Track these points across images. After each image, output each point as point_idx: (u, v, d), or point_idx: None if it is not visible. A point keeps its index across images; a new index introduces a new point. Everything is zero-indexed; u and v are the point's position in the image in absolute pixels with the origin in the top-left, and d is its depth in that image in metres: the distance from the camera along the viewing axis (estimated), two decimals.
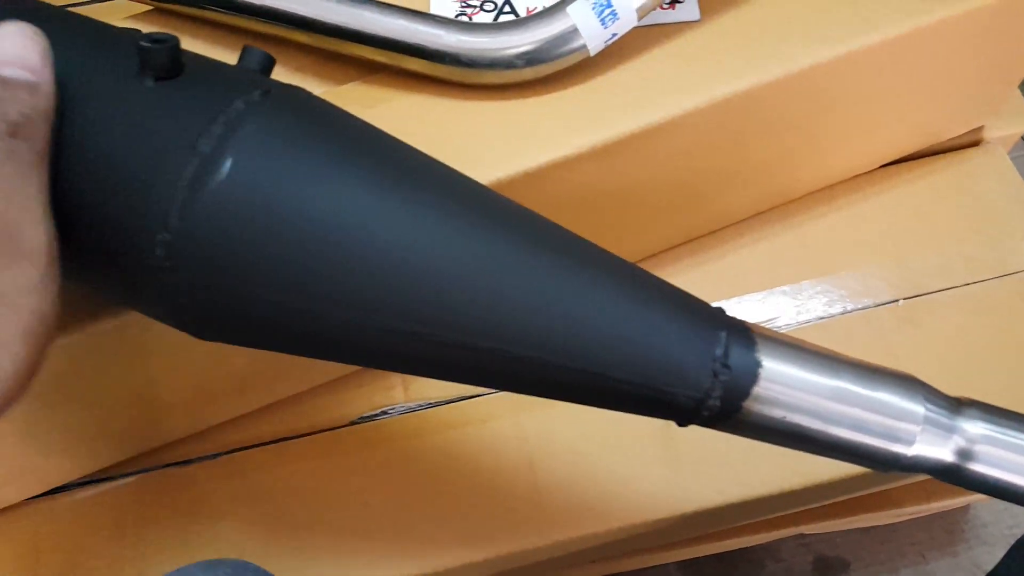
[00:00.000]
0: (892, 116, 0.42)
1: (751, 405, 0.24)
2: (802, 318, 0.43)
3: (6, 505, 0.40)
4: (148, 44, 0.24)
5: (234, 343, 0.26)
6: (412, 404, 0.43)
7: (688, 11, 0.37)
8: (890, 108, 0.41)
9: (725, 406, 0.24)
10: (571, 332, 0.23)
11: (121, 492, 0.41)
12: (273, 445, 0.43)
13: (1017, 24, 0.40)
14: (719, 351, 0.24)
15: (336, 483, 0.42)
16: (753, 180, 0.42)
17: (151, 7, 0.40)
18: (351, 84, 0.37)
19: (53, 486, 0.40)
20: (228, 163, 0.23)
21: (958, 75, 0.42)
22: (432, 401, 0.43)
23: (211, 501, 0.42)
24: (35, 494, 0.41)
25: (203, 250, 0.23)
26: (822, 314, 0.44)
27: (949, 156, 0.48)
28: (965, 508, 0.66)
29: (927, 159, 0.48)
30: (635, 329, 0.24)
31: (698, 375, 0.24)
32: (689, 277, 0.44)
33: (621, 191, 0.38)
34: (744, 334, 0.25)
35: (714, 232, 0.45)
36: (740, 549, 0.59)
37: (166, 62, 0.24)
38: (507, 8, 0.38)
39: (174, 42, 0.24)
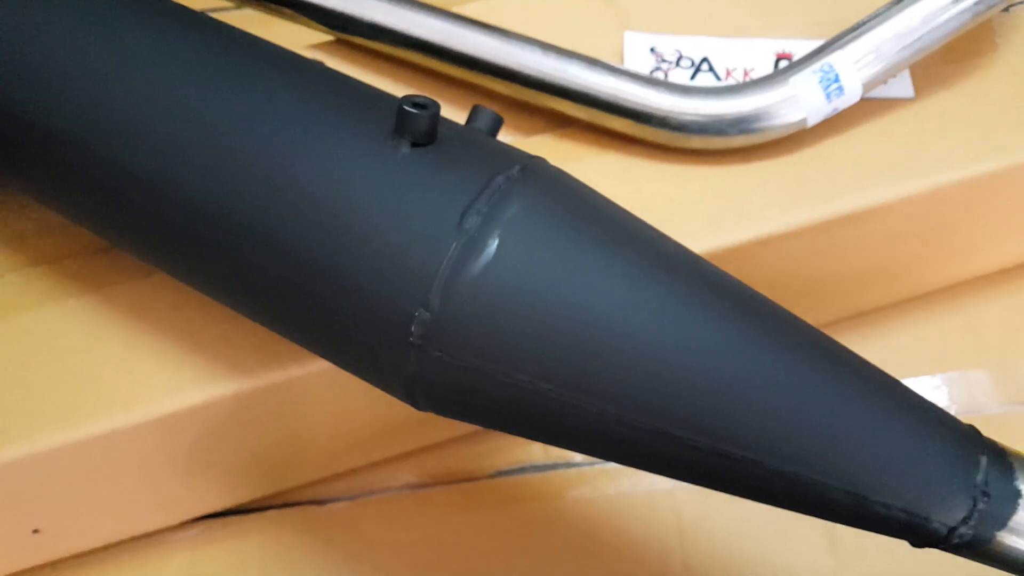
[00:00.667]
0: None
1: (1005, 536, 0.23)
2: (972, 410, 0.41)
3: (159, 528, 0.39)
4: (411, 109, 0.23)
5: (456, 418, 0.25)
6: (552, 462, 0.42)
7: (902, 88, 0.35)
8: None
9: (978, 535, 0.23)
10: (839, 452, 0.22)
11: (260, 525, 0.40)
12: (411, 492, 0.41)
13: None
14: (980, 478, 0.23)
15: (475, 538, 0.40)
16: (939, 263, 0.40)
17: (334, 38, 0.39)
18: (541, 136, 0.36)
19: (201, 514, 0.39)
20: (494, 244, 0.22)
21: None
22: (573, 462, 0.42)
23: (347, 543, 0.40)
24: (185, 520, 0.40)
25: (462, 332, 0.22)
26: (994, 408, 0.41)
27: None
28: None
29: None
30: (904, 452, 0.22)
31: (957, 502, 0.23)
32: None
33: (812, 269, 0.36)
34: (1003, 459, 0.23)
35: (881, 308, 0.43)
36: None
37: (426, 129, 0.23)
38: (704, 67, 0.37)
39: (436, 109, 0.23)
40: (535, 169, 0.24)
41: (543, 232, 0.22)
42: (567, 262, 0.22)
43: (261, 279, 0.25)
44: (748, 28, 0.37)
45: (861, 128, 0.35)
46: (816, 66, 0.32)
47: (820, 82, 0.32)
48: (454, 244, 0.22)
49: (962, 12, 0.33)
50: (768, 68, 0.36)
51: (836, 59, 0.32)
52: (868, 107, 0.35)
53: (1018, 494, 0.23)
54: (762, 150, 0.34)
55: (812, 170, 0.34)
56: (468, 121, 0.27)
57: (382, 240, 0.23)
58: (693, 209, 0.33)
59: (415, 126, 0.23)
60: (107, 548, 0.39)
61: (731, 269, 0.33)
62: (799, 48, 0.37)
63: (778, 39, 0.37)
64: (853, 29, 0.33)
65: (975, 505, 0.22)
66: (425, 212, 0.22)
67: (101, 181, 0.27)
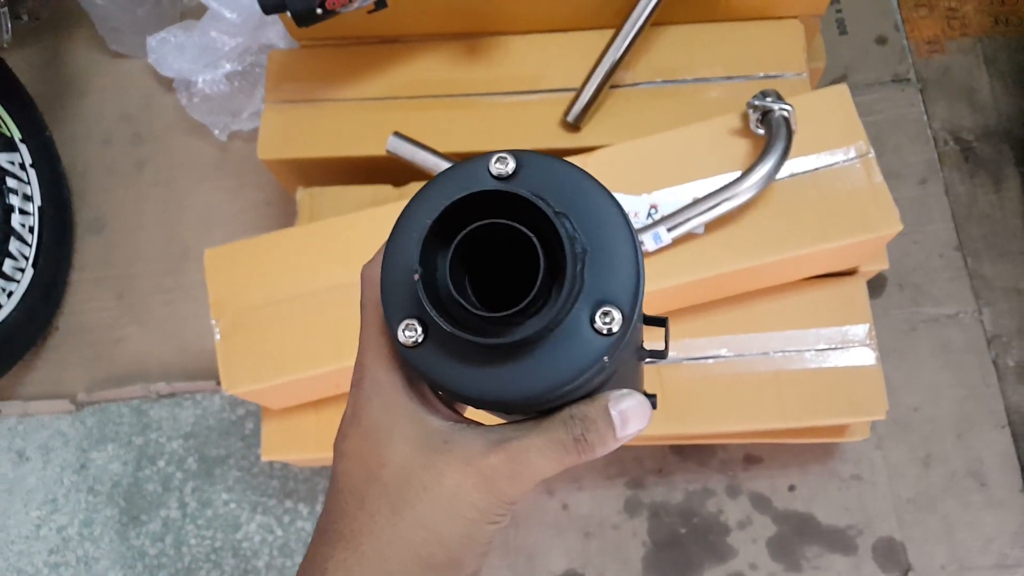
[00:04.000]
0: (816, 268, 0.87)
1: None
2: (730, 355, 0.90)
3: None
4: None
5: None
6: None
7: (699, 228, 0.82)
8: (817, 266, 0.86)
9: None
10: None
11: None
12: None
13: (874, 244, 0.82)
14: None
15: None
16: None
17: None
18: None
19: None
20: None
21: (854, 252, 0.85)
22: None
23: None
24: None
25: None
26: (738, 353, 0.90)
27: (839, 277, 0.91)
28: (838, 444, 1.11)
29: (830, 278, 0.92)
30: None
31: None
32: (689, 324, 0.91)
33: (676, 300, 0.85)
34: None
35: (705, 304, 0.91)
36: (706, 445, 1.09)
37: None
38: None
39: None
40: None
41: None
42: None
43: None
44: (640, 187, 0.83)
45: (675, 248, 0.82)
46: (650, 232, 0.79)
47: (653, 238, 0.79)
48: None
49: (747, 191, 0.79)
50: (645, 212, 0.83)
51: (659, 229, 0.78)
52: (683, 239, 0.82)
53: None
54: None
55: (657, 264, 0.82)
56: None
57: None
58: None
59: None
60: None
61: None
62: (662, 199, 0.83)
63: (651, 194, 0.83)
64: (676, 212, 0.79)
65: None
66: None
67: None
